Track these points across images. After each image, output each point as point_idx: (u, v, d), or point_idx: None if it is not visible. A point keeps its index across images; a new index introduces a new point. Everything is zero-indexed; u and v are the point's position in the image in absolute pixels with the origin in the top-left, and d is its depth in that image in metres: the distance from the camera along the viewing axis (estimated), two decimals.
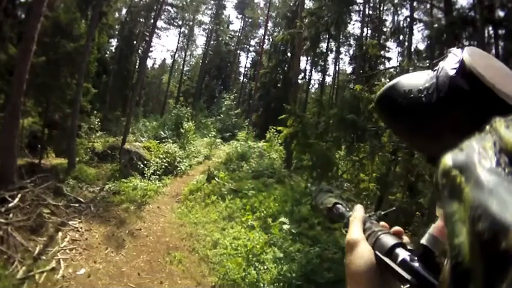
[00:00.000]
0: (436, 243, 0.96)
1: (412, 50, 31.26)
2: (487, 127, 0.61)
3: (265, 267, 10.96)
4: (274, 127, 27.55)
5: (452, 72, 0.98)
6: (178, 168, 22.95)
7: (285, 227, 13.28)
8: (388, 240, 1.06)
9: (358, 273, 1.06)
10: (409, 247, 1.06)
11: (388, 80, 18.46)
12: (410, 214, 15.32)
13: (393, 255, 1.02)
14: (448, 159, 0.59)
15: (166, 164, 21.80)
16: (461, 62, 0.97)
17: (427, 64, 22.40)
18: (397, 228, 1.19)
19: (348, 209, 1.41)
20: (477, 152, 0.55)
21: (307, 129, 13.13)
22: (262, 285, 10.10)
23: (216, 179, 19.53)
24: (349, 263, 1.09)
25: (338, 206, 1.45)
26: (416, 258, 0.97)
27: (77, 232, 12.92)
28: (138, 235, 13.70)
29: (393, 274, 0.98)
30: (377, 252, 1.05)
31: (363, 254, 1.08)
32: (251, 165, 23.22)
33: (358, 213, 1.24)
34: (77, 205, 14.96)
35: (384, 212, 1.34)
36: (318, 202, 1.56)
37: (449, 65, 1.01)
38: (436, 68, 1.06)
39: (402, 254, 1.00)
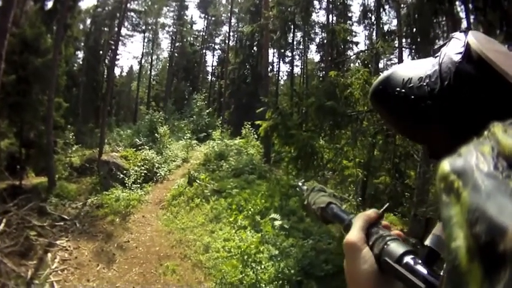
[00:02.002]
0: (442, 244, 0.92)
1: (385, 30, 31.36)
2: (485, 132, 0.59)
3: (262, 266, 10.88)
4: (249, 122, 27.67)
5: (457, 58, 0.94)
6: (158, 174, 22.89)
7: (277, 223, 13.28)
8: (398, 248, 1.00)
9: (360, 279, 1.03)
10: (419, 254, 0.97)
11: (361, 64, 18.53)
12: (399, 196, 15.41)
13: (403, 262, 0.96)
14: (445, 165, 0.57)
15: (145, 172, 21.66)
16: (467, 46, 0.93)
17: (397, 45, 22.56)
18: (397, 231, 1.13)
19: (342, 209, 1.34)
20: (475, 157, 0.54)
21: (287, 121, 13.11)
22: (262, 285, 10.05)
23: (197, 181, 19.43)
24: (350, 267, 1.06)
25: (332, 206, 1.38)
26: (420, 261, 0.92)
27: (65, 251, 12.79)
28: (127, 247, 13.58)
29: (405, 282, 0.93)
30: (387, 259, 0.99)
31: (364, 258, 1.04)
32: (230, 163, 23.20)
33: (366, 213, 1.18)
34: (62, 223, 14.81)
35: (381, 210, 1.30)
36: (310, 202, 1.49)
37: (453, 50, 0.96)
38: (438, 54, 1.00)
39: (412, 262, 0.94)
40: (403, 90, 1.03)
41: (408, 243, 1.06)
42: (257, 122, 13.97)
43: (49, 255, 12.24)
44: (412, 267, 0.92)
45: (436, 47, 1.05)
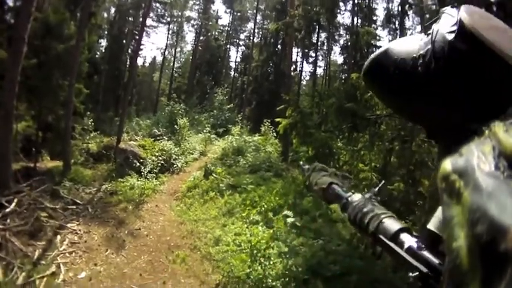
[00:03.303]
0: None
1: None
2: (486, 131, 0.60)
3: (271, 262, 10.87)
4: (269, 120, 27.89)
5: (450, 36, 0.93)
6: (175, 166, 22.96)
7: (289, 220, 13.28)
8: (393, 225, 1.02)
9: None
10: (414, 233, 1.01)
11: None
12: (411, 203, 15.38)
13: (398, 240, 0.99)
14: (447, 164, 0.59)
15: (162, 162, 21.83)
16: (460, 23, 0.91)
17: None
18: None
19: (344, 189, 1.36)
20: (476, 157, 0.55)
21: (307, 120, 13.10)
22: (269, 281, 10.01)
23: (214, 175, 19.47)
24: None
25: (333, 186, 1.40)
26: (423, 245, 0.93)
27: (75, 235, 12.80)
28: (138, 235, 13.58)
29: (400, 260, 0.94)
30: (381, 237, 1.00)
31: None
32: (247, 159, 23.05)
33: None
34: (74, 207, 14.85)
35: (377, 188, 1.27)
36: (312, 182, 1.51)
37: (445, 27, 0.95)
38: (430, 31, 1.00)
39: (408, 240, 0.97)
40: (397, 71, 1.03)
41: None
42: (277, 119, 13.98)
43: (58, 237, 12.28)
44: (415, 252, 0.92)
45: (427, 23, 1.04)
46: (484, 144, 0.56)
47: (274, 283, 9.94)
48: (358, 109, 12.81)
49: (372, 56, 1.13)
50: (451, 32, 0.91)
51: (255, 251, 11.23)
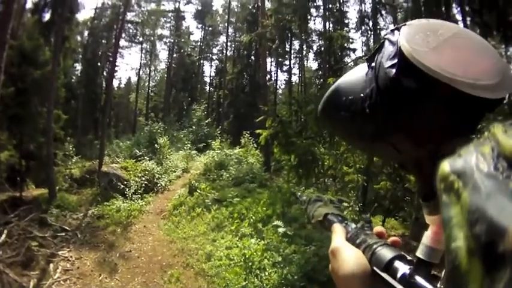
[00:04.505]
0: (433, 254, 0.89)
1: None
2: (485, 133, 0.59)
3: (266, 273, 10.86)
4: (248, 132, 27.96)
5: (391, 72, 0.84)
6: (159, 185, 22.89)
7: (280, 230, 13.27)
8: (386, 254, 0.98)
9: (347, 277, 1.00)
10: (409, 257, 0.98)
11: None
12: (399, 200, 15.37)
13: (392, 270, 0.94)
14: (446, 165, 0.58)
15: (146, 182, 21.74)
16: (400, 54, 0.84)
17: None
18: (394, 238, 1.11)
19: (340, 218, 1.32)
20: (475, 157, 0.55)
21: (287, 129, 13.10)
22: None
23: (198, 191, 19.43)
24: (336, 269, 1.04)
25: (329, 217, 1.35)
26: (415, 272, 0.89)
27: (67, 262, 12.69)
28: (129, 257, 13.51)
29: None
30: (375, 268, 0.97)
31: (348, 257, 1.03)
32: (230, 172, 23.09)
33: (337, 228, 1.19)
34: (63, 234, 14.73)
35: (367, 215, 1.27)
36: (309, 215, 1.47)
37: (387, 59, 0.87)
38: (373, 64, 0.92)
39: (402, 268, 0.93)
40: (348, 114, 0.98)
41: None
42: (257, 131, 13.97)
43: (51, 265, 12.18)
44: (407, 280, 0.89)
45: (369, 55, 0.97)
46: (483, 145, 0.56)
47: None
48: None
49: (325, 96, 1.08)
50: (392, 67, 0.85)
51: (249, 263, 11.22)
